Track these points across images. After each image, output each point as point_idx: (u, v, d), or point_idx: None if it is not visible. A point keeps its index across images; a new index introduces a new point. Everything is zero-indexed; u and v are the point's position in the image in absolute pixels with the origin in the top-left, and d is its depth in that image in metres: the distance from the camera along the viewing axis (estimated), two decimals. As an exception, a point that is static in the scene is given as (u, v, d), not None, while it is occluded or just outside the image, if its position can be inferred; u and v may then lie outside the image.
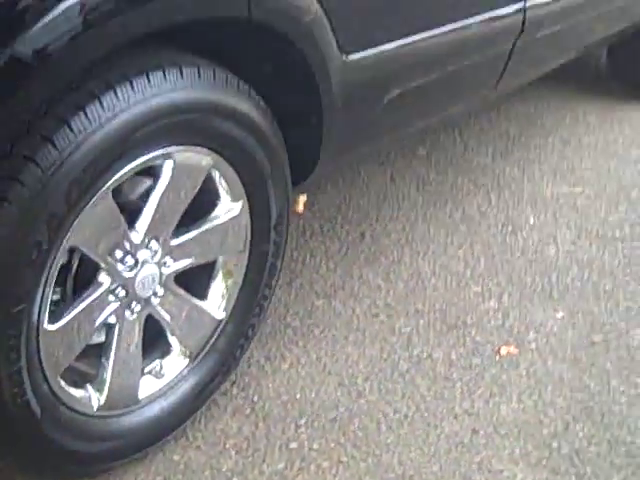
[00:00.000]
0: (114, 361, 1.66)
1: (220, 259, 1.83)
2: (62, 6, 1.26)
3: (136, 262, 1.62)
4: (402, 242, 2.58)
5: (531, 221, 2.74)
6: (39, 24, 1.26)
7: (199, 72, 1.57)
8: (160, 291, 1.71)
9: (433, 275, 2.45)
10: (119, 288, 1.62)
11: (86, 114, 1.40)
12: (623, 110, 3.53)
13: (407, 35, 1.99)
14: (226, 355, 1.87)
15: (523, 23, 2.39)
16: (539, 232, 2.68)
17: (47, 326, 1.52)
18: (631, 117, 3.49)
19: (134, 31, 1.39)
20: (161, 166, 1.61)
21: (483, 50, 2.31)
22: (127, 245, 1.60)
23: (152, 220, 1.62)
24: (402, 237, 2.60)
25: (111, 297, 1.62)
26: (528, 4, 2.37)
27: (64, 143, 1.38)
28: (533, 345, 2.19)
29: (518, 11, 2.35)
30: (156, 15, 1.42)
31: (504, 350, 2.16)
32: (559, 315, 2.31)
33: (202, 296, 1.83)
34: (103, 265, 1.58)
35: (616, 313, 2.32)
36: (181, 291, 1.76)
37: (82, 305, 1.57)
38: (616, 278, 2.47)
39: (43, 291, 1.47)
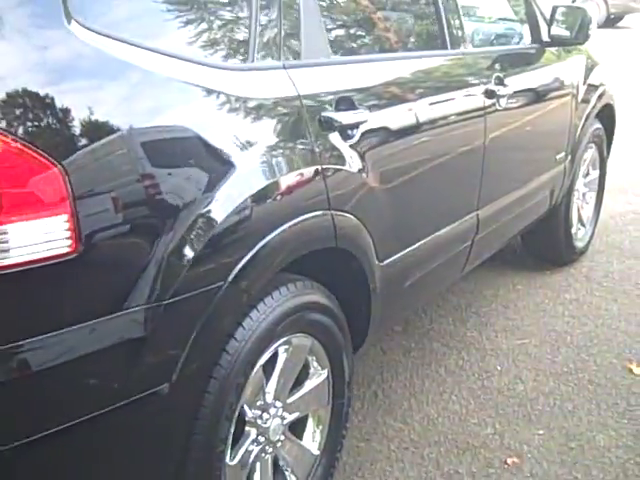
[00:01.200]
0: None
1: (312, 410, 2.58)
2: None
3: (269, 416, 2.36)
4: (407, 395, 3.36)
5: (498, 368, 3.58)
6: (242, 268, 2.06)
7: (304, 284, 2.39)
8: (282, 437, 2.44)
9: (439, 415, 3.23)
10: (260, 436, 2.35)
11: (251, 316, 2.19)
12: (542, 276, 4.52)
13: (414, 244, 2.89)
14: (325, 476, 2.59)
15: (477, 226, 3.36)
16: (507, 375, 3.52)
17: (229, 461, 2.23)
18: (549, 280, 4.47)
19: (280, 267, 2.22)
20: (283, 348, 2.39)
21: (458, 245, 3.25)
22: (264, 404, 2.34)
23: (277, 385, 2.38)
24: (405, 391, 3.39)
25: (254, 444, 2.35)
26: (480, 213, 3.34)
27: (240, 337, 2.16)
28: (529, 455, 2.98)
29: (473, 218, 3.31)
30: (290, 256, 2.25)
31: (509, 460, 2.94)
32: (540, 432, 3.11)
33: (300, 439, 2.56)
34: (252, 419, 2.31)
35: (582, 424, 3.15)
36: (292, 436, 2.50)
37: (242, 449, 2.29)
38: (574, 401, 3.31)
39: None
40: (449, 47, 3.17)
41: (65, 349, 1.75)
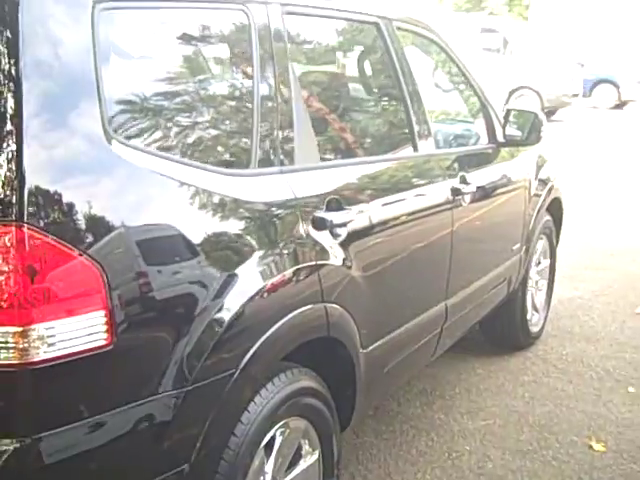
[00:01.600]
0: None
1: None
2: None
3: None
4: (383, 475, 3.52)
5: (467, 448, 3.79)
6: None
7: (299, 371, 2.59)
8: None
9: (416, 494, 3.41)
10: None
11: (255, 401, 2.37)
12: (501, 360, 4.78)
13: (392, 332, 3.12)
14: None
15: (446, 314, 3.61)
16: (475, 454, 3.73)
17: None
18: (508, 364, 4.73)
19: (281, 355, 2.43)
20: (282, 432, 2.56)
21: (430, 332, 3.49)
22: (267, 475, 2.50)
23: (275, 465, 2.55)
24: (381, 472, 3.55)
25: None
26: (448, 302, 3.60)
27: (246, 421, 2.34)
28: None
29: (442, 307, 3.57)
30: (290, 345, 2.46)
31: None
32: (511, 507, 3.32)
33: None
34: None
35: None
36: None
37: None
38: (540, 477, 3.53)
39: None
40: (418, 149, 3.46)
41: (99, 433, 1.92)
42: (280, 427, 2.52)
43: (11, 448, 1.80)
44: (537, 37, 22.80)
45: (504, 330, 4.82)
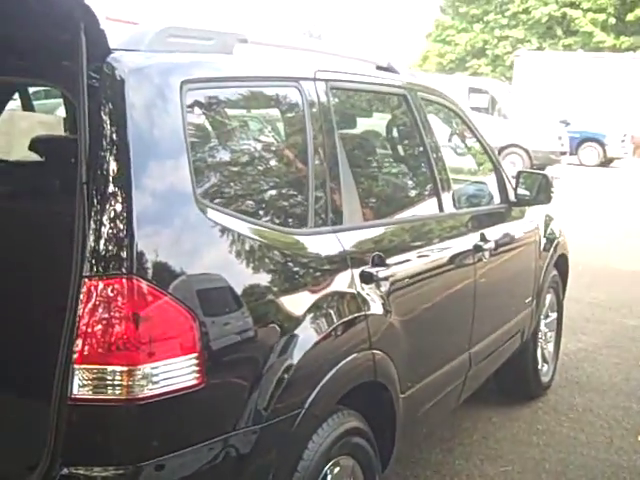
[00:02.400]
0: None
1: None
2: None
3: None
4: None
5: (490, 492, 3.99)
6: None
7: (349, 412, 2.80)
8: None
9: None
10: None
11: (313, 439, 2.58)
12: (514, 410, 5.00)
13: (425, 378, 3.36)
14: None
15: (470, 363, 3.85)
16: (499, 498, 3.94)
17: None
18: (521, 413, 4.95)
19: (338, 397, 2.65)
20: (332, 469, 2.77)
21: (456, 379, 3.72)
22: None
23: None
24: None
25: None
26: (471, 351, 3.84)
27: (307, 457, 2.55)
28: None
29: (467, 356, 3.81)
30: (345, 387, 2.68)
31: None
32: None
33: None
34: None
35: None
36: None
37: None
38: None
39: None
40: (444, 209, 3.73)
41: (187, 465, 2.14)
42: (332, 465, 2.73)
43: (114, 474, 2.01)
44: (523, 96, 23.44)
45: (517, 380, 5.05)
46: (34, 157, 3.44)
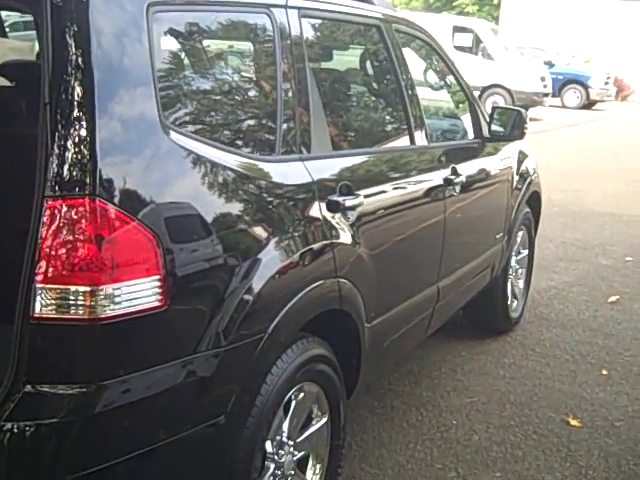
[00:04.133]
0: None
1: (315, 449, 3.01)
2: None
3: (284, 452, 2.78)
4: (377, 445, 3.79)
5: (454, 422, 4.07)
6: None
7: (314, 339, 2.85)
8: (292, 472, 2.86)
9: (408, 462, 3.67)
10: (276, 470, 2.77)
11: (277, 364, 2.63)
12: (482, 344, 5.08)
13: (392, 309, 3.40)
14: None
15: (438, 296, 3.90)
16: (462, 428, 4.01)
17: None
18: (489, 347, 5.03)
19: (302, 323, 2.69)
20: (296, 395, 2.82)
21: (423, 312, 3.77)
22: (280, 441, 2.76)
23: (290, 426, 2.81)
24: (375, 442, 3.81)
25: (272, 477, 2.76)
26: (439, 284, 3.88)
27: (270, 382, 2.59)
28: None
29: (435, 289, 3.86)
30: (309, 314, 2.72)
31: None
32: (497, 474, 3.60)
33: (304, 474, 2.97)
34: (270, 454, 2.73)
35: (532, 468, 3.65)
36: (299, 472, 2.93)
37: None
38: (522, 449, 3.83)
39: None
40: (415, 142, 3.74)
41: (149, 385, 2.17)
42: (296, 390, 2.78)
43: (77, 392, 2.04)
44: (508, 36, 23.28)
45: (486, 315, 5.12)
46: (3, 82, 3.42)
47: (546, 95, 20.87)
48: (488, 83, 19.21)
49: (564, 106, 24.40)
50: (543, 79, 20.81)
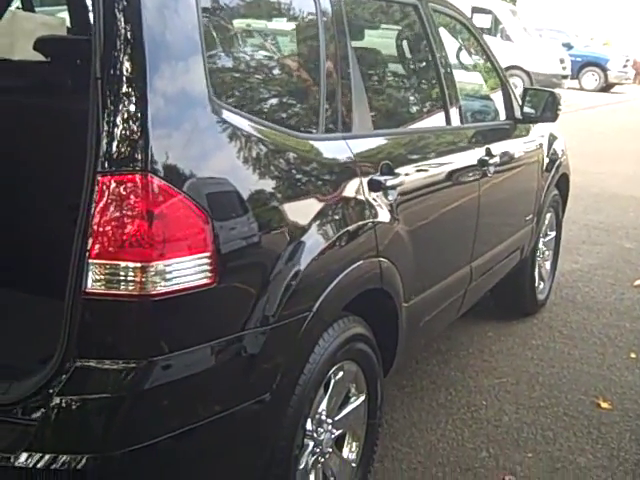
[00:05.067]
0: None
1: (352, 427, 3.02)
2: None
3: (322, 430, 2.79)
4: (408, 424, 3.80)
5: (484, 403, 4.08)
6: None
7: (354, 318, 2.85)
8: (330, 450, 2.87)
9: (439, 441, 3.68)
10: (315, 447, 2.78)
11: (319, 343, 2.63)
12: (510, 325, 5.07)
13: (428, 289, 3.39)
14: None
15: (471, 276, 3.89)
16: (492, 408, 4.02)
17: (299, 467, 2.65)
18: (516, 328, 5.02)
19: (345, 302, 2.68)
20: (336, 373, 2.82)
21: (457, 292, 3.76)
22: (320, 419, 2.77)
23: (329, 404, 2.81)
24: (406, 421, 3.82)
25: (311, 454, 2.77)
26: (473, 264, 3.87)
27: (312, 360, 2.59)
28: (522, 474, 3.45)
29: (468, 269, 3.84)
30: (351, 293, 2.71)
31: (507, 478, 3.41)
32: (529, 455, 3.60)
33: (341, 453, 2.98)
34: (310, 432, 2.73)
35: (563, 449, 3.65)
36: (337, 450, 2.93)
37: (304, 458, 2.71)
38: (553, 430, 3.82)
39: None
40: (451, 122, 3.72)
41: (198, 362, 2.17)
42: (336, 369, 2.78)
43: (128, 368, 2.04)
44: (527, 18, 23.10)
45: (513, 296, 5.11)
46: (39, 57, 3.41)
47: (565, 77, 20.74)
48: (506, 65, 19.04)
49: (582, 88, 24.24)
50: (562, 61, 20.67)
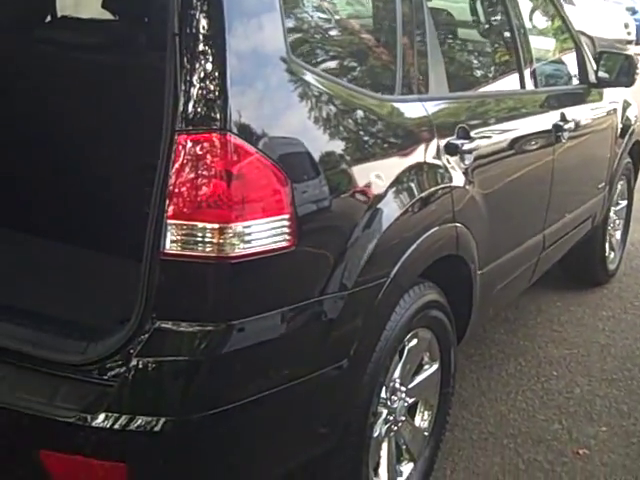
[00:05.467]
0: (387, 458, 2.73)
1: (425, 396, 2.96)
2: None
3: (396, 398, 2.74)
4: (477, 394, 3.74)
5: (554, 373, 3.99)
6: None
7: (429, 285, 2.78)
8: (403, 418, 2.82)
9: (509, 412, 3.61)
10: (389, 416, 2.73)
11: (395, 310, 2.57)
12: (579, 295, 4.95)
13: (501, 256, 3.31)
14: (432, 456, 2.97)
15: (543, 244, 3.79)
16: (563, 380, 3.93)
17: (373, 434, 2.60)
18: (586, 298, 4.91)
19: (422, 269, 2.62)
20: (410, 341, 2.77)
21: (529, 259, 3.67)
22: (393, 387, 2.72)
23: (403, 372, 2.76)
24: (475, 391, 3.77)
25: (384, 422, 2.72)
26: (546, 232, 3.77)
27: (389, 327, 2.53)
28: (596, 448, 3.37)
29: (541, 237, 3.75)
30: (428, 259, 2.65)
31: (580, 451, 3.33)
32: (603, 429, 3.51)
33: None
34: (384, 400, 2.68)
35: (638, 424, 3.56)
36: (410, 418, 2.88)
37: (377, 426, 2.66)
38: (627, 404, 3.72)
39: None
40: (525, 86, 3.61)
41: (276, 326, 2.13)
42: (411, 336, 2.72)
43: (206, 331, 2.00)
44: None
45: (584, 266, 4.98)
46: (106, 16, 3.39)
47: (630, 42, 20.16)
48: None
49: (646, 55, 23.59)
50: (627, 26, 20.09)
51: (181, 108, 2.00)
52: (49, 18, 3.37)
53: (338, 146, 2.31)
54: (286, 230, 2.08)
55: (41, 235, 2.95)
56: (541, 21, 4.58)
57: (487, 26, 3.93)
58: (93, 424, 2.00)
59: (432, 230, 2.64)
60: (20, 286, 2.55)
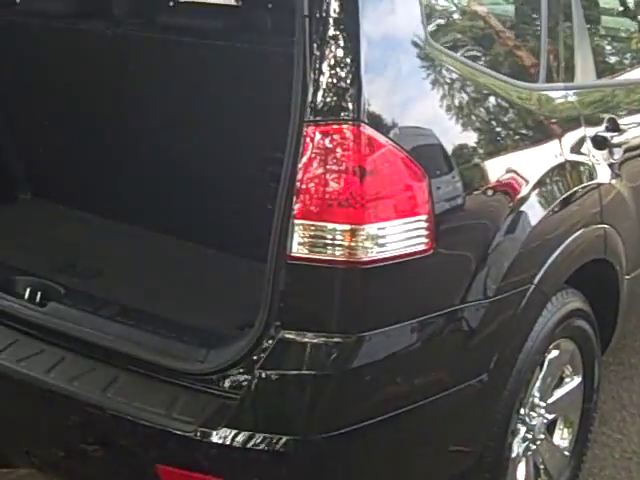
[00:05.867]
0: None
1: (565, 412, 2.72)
2: None
3: (535, 415, 2.50)
4: (618, 407, 3.40)
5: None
6: None
7: (572, 292, 2.53)
8: (542, 435, 2.58)
9: None
10: (527, 433, 2.50)
11: (538, 319, 2.33)
12: None
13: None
14: (573, 476, 2.72)
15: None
16: None
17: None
18: None
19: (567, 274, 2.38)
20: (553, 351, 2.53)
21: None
22: (533, 402, 2.48)
23: (543, 386, 2.52)
24: (615, 404, 3.43)
25: (522, 440, 2.49)
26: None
27: (530, 338, 2.30)
28: None
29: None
30: (574, 264, 2.40)
31: None
32: None
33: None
34: (523, 416, 2.45)
35: None
36: (549, 436, 2.64)
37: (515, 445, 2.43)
38: None
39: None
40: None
41: (413, 338, 1.93)
42: (553, 347, 2.48)
43: (335, 343, 1.82)
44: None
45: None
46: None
47: None
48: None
49: None
50: None
51: (310, 97, 1.82)
52: (171, 4, 3.24)
53: (477, 138, 2.12)
54: (423, 232, 1.88)
55: (161, 232, 2.84)
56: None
57: (635, 10, 3.64)
58: (213, 440, 1.84)
59: (579, 232, 2.40)
60: (149, 289, 2.44)
